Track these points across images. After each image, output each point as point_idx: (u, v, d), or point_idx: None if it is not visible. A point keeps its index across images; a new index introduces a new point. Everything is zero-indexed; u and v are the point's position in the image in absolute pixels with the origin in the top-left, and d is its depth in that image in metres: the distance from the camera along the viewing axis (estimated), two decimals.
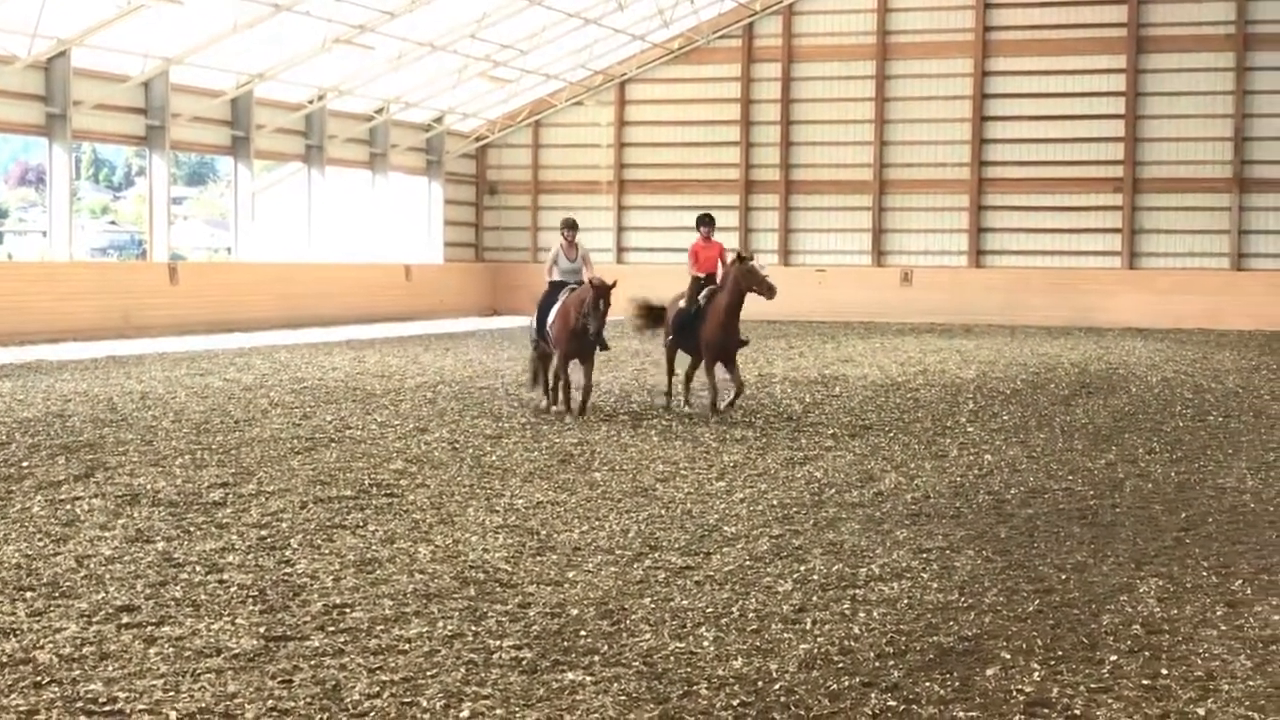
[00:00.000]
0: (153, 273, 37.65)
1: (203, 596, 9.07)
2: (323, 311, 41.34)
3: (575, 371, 19.29)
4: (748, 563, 10.28)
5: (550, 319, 18.79)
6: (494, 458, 15.16)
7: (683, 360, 20.48)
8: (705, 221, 20.19)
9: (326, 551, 10.45)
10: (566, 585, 9.54)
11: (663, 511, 12.26)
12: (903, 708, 7.09)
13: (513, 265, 50.43)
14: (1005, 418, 19.41)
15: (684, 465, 14.84)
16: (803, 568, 10.15)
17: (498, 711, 6.95)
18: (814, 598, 9.28)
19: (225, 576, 9.61)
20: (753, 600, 9.18)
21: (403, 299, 45.40)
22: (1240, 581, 9.80)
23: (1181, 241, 44.97)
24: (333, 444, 16.00)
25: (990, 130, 46.26)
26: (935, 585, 9.67)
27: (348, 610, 8.79)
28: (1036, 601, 9.22)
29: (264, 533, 11.08)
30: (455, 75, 44.53)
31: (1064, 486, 13.80)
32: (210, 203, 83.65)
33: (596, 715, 6.92)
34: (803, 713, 7.01)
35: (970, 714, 7.00)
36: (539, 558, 10.36)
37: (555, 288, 19.16)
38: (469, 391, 21.88)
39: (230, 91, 39.49)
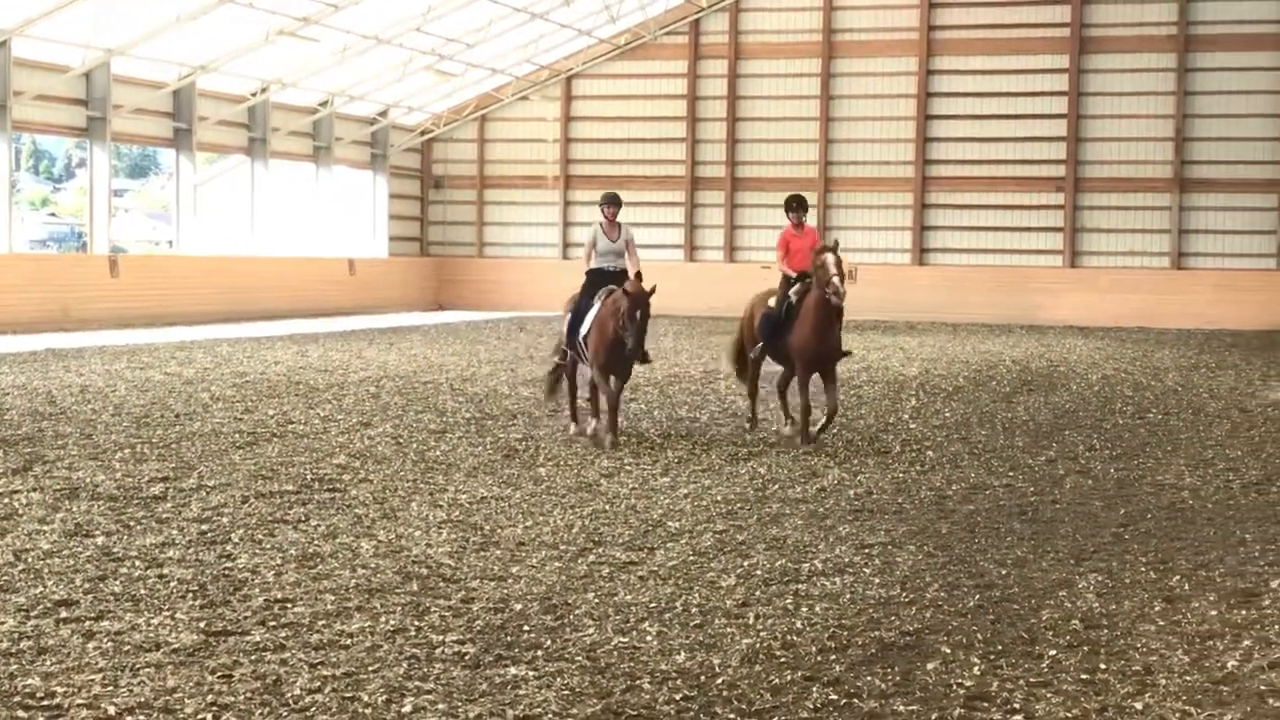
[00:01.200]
0: (93, 265, 37.31)
1: (142, 591, 9.00)
2: (265, 305, 41.11)
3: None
4: (691, 558, 10.30)
5: (585, 328, 16.31)
6: (438, 453, 15.12)
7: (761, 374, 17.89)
8: (795, 205, 17.07)
9: (268, 546, 10.39)
10: (510, 580, 9.52)
11: (607, 507, 12.27)
12: (844, 702, 7.12)
13: (458, 260, 50.31)
14: (947, 414, 19.52)
15: (628, 461, 14.84)
16: (746, 563, 10.18)
17: (440, 706, 6.93)
18: (757, 592, 9.31)
19: (165, 571, 9.54)
20: (696, 595, 9.20)
21: (347, 293, 45.21)
22: (1178, 577, 9.90)
23: (1122, 241, 45.35)
24: (275, 438, 15.92)
25: (934, 129, 46.50)
26: (877, 580, 9.71)
27: (289, 605, 8.75)
28: (977, 597, 9.28)
29: (204, 527, 11.01)
30: (400, 69, 44.35)
31: (1005, 483, 13.89)
32: (152, 195, 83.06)
33: (539, 710, 6.91)
34: (745, 707, 7.03)
35: (911, 708, 7.03)
36: (482, 553, 10.35)
37: (593, 281, 16.66)
38: (413, 386, 21.81)
39: (172, 83, 39.19)
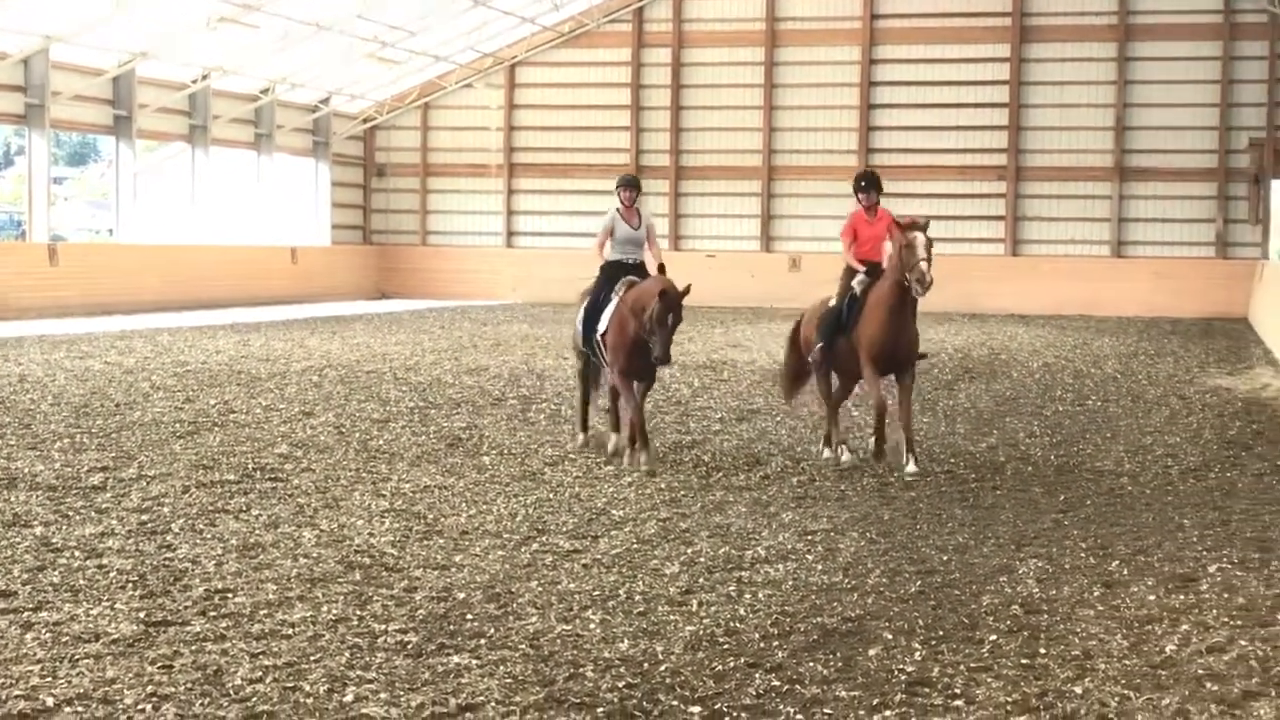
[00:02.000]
0: (32, 254, 36.92)
1: (81, 582, 8.93)
2: (207, 294, 40.80)
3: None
4: (635, 546, 10.31)
5: (603, 325, 14.26)
6: (381, 442, 15.06)
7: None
8: (866, 184, 14.41)
9: (209, 536, 10.33)
10: (453, 569, 9.50)
11: (551, 495, 12.26)
12: (786, 688, 7.15)
13: (401, 248, 50.13)
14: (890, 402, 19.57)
15: (572, 449, 14.83)
16: (690, 550, 10.19)
17: (382, 695, 6.91)
18: (700, 580, 9.33)
19: (104, 561, 9.47)
20: (639, 583, 9.21)
21: (289, 282, 44.94)
22: (1117, 563, 9.98)
23: (1064, 229, 45.67)
24: (216, 428, 15.81)
25: (877, 117, 46.65)
26: (820, 567, 9.75)
27: (230, 595, 8.70)
28: (918, 582, 9.33)
29: (145, 517, 10.93)
30: (343, 56, 44.11)
31: (946, 469, 13.97)
32: (91, 183, 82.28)
33: (482, 698, 6.90)
34: (688, 694, 7.04)
35: (853, 693, 7.07)
36: (425, 542, 10.32)
37: (608, 273, 14.60)
38: (356, 375, 21.71)
39: (112, 70, 38.83)
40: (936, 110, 46.11)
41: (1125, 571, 9.73)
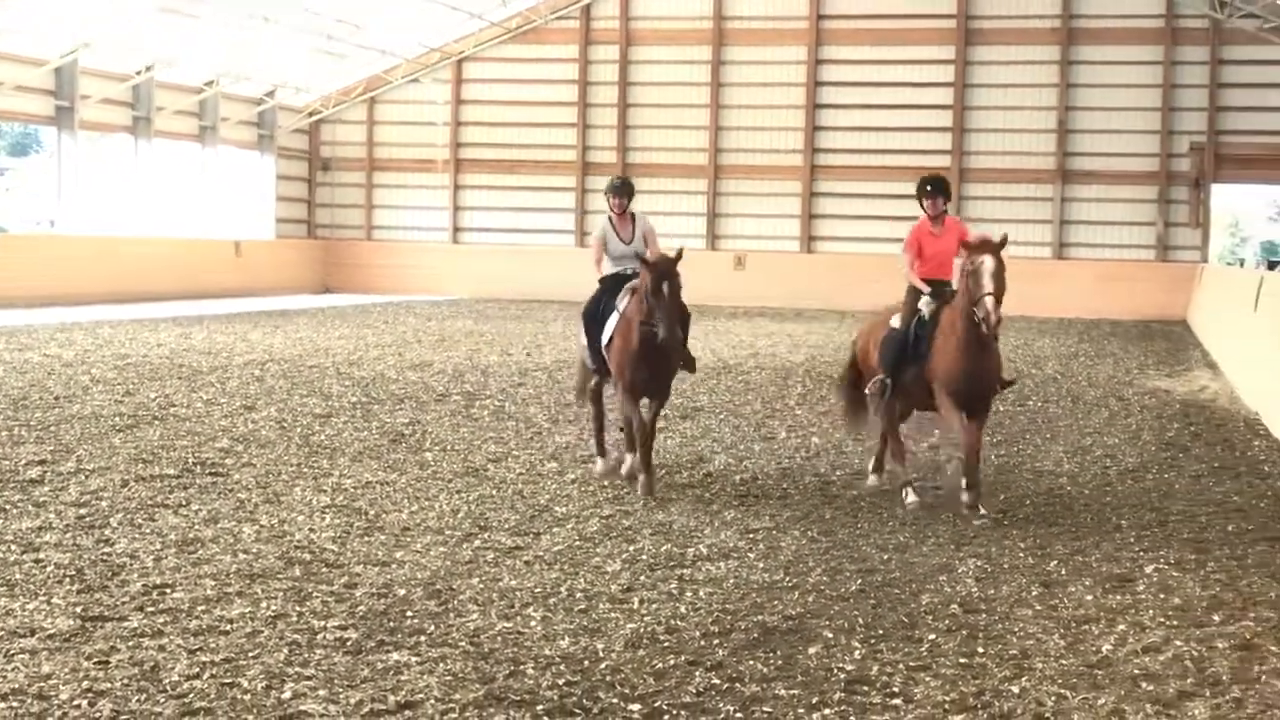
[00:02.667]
0: None
1: (17, 576, 8.85)
2: (149, 287, 40.46)
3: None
4: (577, 543, 10.31)
5: (607, 335, 12.83)
6: (322, 437, 14.99)
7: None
8: (933, 189, 12.62)
9: (147, 531, 10.25)
10: (394, 565, 9.47)
11: (494, 492, 12.24)
12: (726, 686, 7.17)
13: (346, 243, 49.90)
14: (833, 401, 19.65)
15: (516, 446, 14.81)
16: (632, 548, 10.20)
17: (320, 692, 6.89)
18: (642, 577, 9.34)
19: (41, 555, 9.38)
20: (581, 580, 9.21)
21: (232, 275, 44.65)
22: (1055, 562, 10.06)
23: (1007, 230, 45.88)
24: (156, 421, 15.70)
25: (823, 118, 46.80)
26: (761, 565, 9.78)
27: (168, 590, 8.64)
28: (859, 581, 9.38)
29: (83, 511, 10.84)
30: (288, 49, 43.86)
31: (888, 469, 14.02)
32: (33, 174, 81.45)
33: (421, 696, 6.89)
34: (628, 691, 7.05)
35: (792, 692, 7.09)
36: (367, 538, 10.28)
37: (609, 286, 13.10)
38: (298, 370, 21.60)
39: (54, 60, 38.45)
40: (881, 111, 46.31)
41: (1063, 571, 9.81)
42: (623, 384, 12.65)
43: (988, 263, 11.46)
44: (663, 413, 13.93)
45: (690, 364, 12.80)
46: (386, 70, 48.79)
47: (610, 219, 13.20)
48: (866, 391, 12.95)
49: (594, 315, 13.09)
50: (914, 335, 12.25)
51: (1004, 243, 11.78)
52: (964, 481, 11.91)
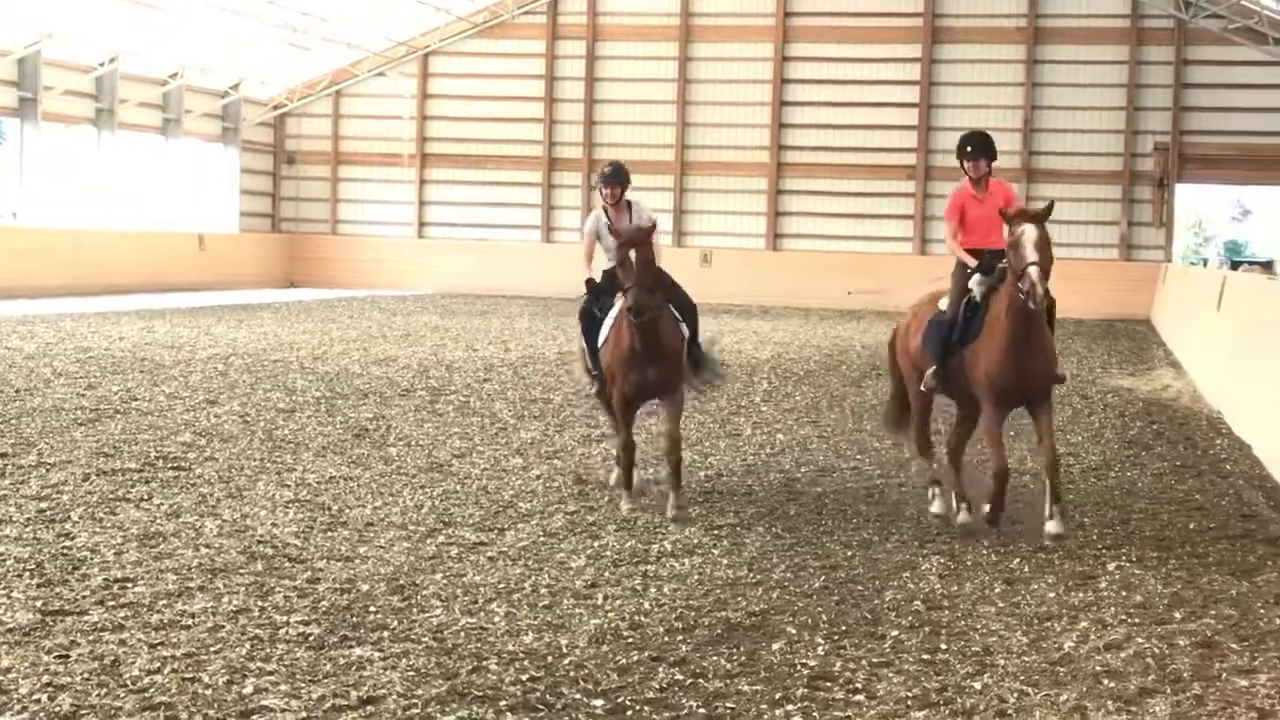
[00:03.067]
0: None
1: None
2: (112, 280, 40.23)
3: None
4: (542, 539, 10.29)
5: (602, 337, 11.81)
6: (286, 432, 14.92)
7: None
8: (973, 152, 11.23)
9: (109, 525, 10.19)
10: (357, 561, 9.44)
11: (458, 487, 12.21)
12: (690, 682, 7.17)
13: (311, 237, 49.70)
14: (798, 398, 19.70)
15: (481, 442, 14.78)
16: (596, 543, 10.20)
17: (283, 687, 6.86)
18: (606, 573, 9.33)
19: (1, 549, 9.32)
20: (545, 576, 9.20)
21: (196, 269, 44.41)
22: (1018, 560, 10.09)
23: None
24: (118, 415, 15.60)
25: (789, 115, 46.85)
26: (725, 561, 9.79)
27: (129, 585, 8.59)
28: (822, 578, 9.39)
29: (43, 505, 10.76)
30: (253, 41, 43.66)
31: (852, 466, 14.07)
32: None
33: (384, 691, 6.86)
34: (591, 687, 7.04)
35: (755, 688, 7.10)
36: (330, 533, 10.24)
37: (605, 284, 11.98)
38: (262, 364, 21.50)
39: (17, 51, 38.18)
40: (848, 109, 46.38)
41: (1026, 569, 9.84)
42: (618, 390, 11.56)
43: (1029, 232, 10.24)
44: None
45: (711, 371, 11.68)
46: (352, 64, 48.62)
47: (605, 210, 12.11)
48: (920, 389, 11.46)
49: (592, 316, 12.03)
50: (963, 318, 10.96)
51: (1048, 211, 10.56)
52: (1048, 508, 10.52)
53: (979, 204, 11.21)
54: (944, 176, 45.85)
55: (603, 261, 11.99)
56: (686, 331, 11.75)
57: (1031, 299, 10.14)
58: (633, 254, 11.04)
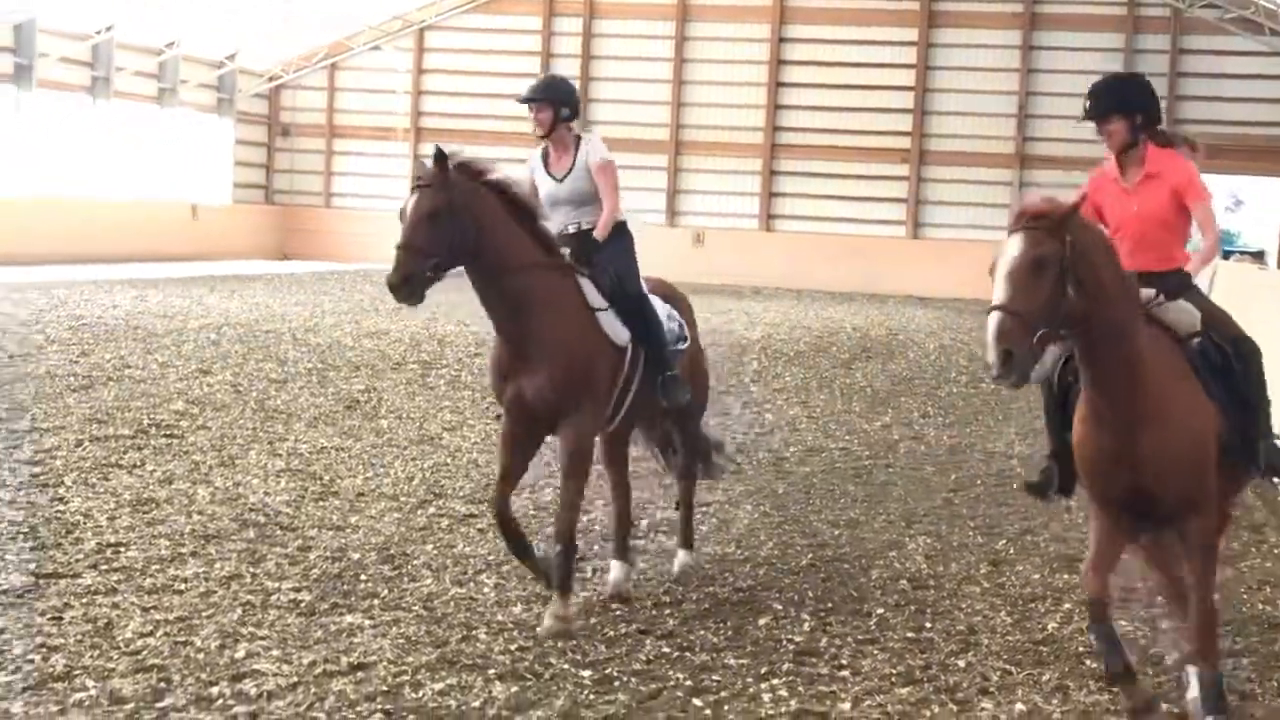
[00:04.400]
0: None
1: None
2: (105, 248, 40.14)
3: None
4: (531, 512, 10.35)
5: None
6: (278, 402, 14.97)
7: None
8: (1092, 107, 7.55)
9: (101, 490, 10.25)
10: (348, 530, 9.51)
11: (449, 460, 12.27)
12: (676, 654, 7.24)
13: (304, 209, 49.63)
14: (788, 378, 19.77)
15: (471, 415, 14.84)
16: (585, 518, 10.23)
17: (274, 652, 6.92)
18: (595, 547, 9.40)
19: None
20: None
21: (189, 239, 44.34)
22: (1004, 541, 10.18)
23: (965, 214, 46.09)
24: (111, 382, 15.64)
25: (785, 96, 46.82)
26: (713, 538, 9.86)
27: (122, 549, 8.65)
28: (809, 556, 9.47)
29: (37, 470, 10.82)
30: (250, 12, 43.56)
31: (841, 446, 14.14)
32: None
33: (374, 657, 6.94)
34: (579, 658, 7.11)
35: (741, 661, 7.17)
36: (321, 502, 10.30)
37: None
38: (254, 335, 21.53)
39: (14, 17, 38.06)
40: (843, 91, 46.35)
41: (1012, 550, 9.92)
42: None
43: (1005, 251, 6.23)
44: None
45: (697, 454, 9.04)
46: (348, 37, 48.51)
47: (546, 153, 9.15)
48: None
49: None
50: (1057, 381, 7.05)
51: (1071, 214, 6.33)
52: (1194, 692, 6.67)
53: (1126, 197, 7.20)
54: (939, 161, 45.96)
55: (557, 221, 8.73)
56: (602, 302, 8.33)
57: (993, 372, 5.99)
58: (410, 200, 8.11)
